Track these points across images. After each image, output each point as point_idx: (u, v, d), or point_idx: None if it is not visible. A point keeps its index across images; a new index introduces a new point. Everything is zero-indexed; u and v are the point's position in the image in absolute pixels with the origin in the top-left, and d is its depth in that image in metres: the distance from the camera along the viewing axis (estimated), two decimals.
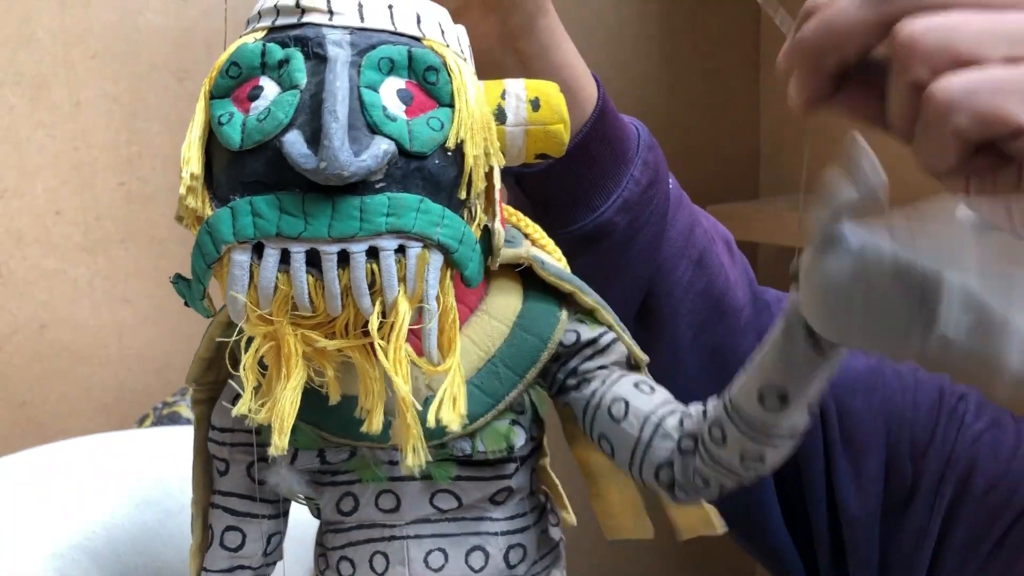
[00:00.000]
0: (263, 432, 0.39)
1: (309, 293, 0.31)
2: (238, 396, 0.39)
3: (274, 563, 0.43)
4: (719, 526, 0.44)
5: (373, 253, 0.31)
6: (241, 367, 0.32)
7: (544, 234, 0.41)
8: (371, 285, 0.31)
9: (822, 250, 0.29)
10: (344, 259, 0.31)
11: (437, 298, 0.32)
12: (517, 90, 0.35)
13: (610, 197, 0.51)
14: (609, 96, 0.55)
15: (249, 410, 0.32)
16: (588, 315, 0.40)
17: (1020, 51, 0.32)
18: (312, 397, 0.36)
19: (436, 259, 0.32)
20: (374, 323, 0.31)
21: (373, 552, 0.39)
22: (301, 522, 0.46)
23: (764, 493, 0.64)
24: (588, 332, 0.40)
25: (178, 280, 0.35)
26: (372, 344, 0.32)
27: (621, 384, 0.40)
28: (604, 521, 0.46)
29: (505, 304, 0.39)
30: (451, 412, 0.33)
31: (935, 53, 0.33)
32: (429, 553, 0.39)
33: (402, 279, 0.31)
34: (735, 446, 0.35)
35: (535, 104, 0.35)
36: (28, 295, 0.97)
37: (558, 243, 0.42)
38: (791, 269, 0.32)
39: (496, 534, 0.40)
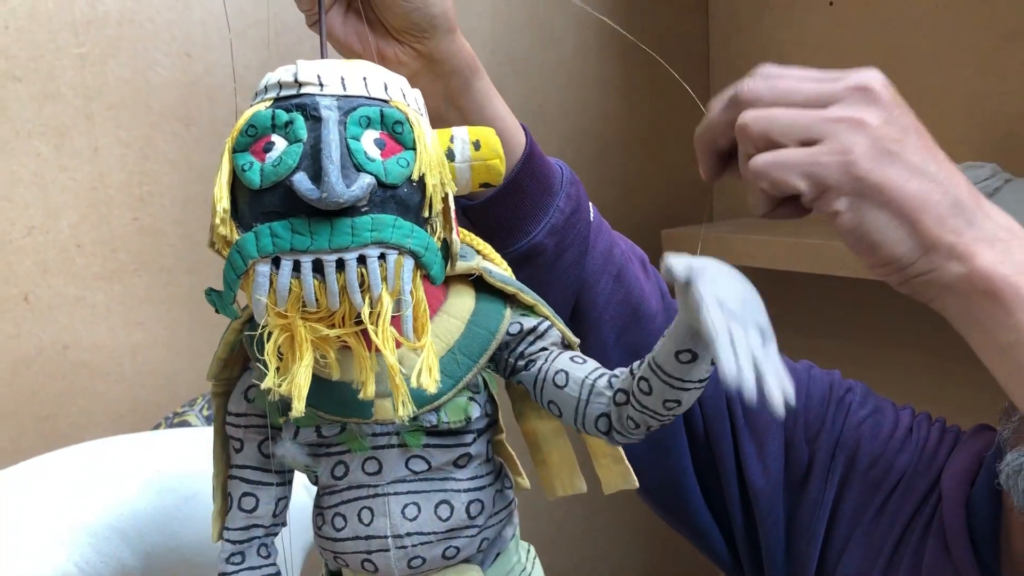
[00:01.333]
0: (272, 415, 0.48)
1: (315, 293, 0.40)
2: (251, 386, 0.48)
3: (282, 524, 0.51)
4: (635, 482, 0.52)
5: (362, 260, 0.40)
6: (265, 353, 0.40)
7: (492, 249, 0.50)
8: (361, 285, 0.40)
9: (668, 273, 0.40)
10: (340, 266, 0.39)
11: (411, 293, 0.41)
12: (462, 135, 0.44)
13: (540, 223, 0.60)
14: (562, 138, 0.65)
15: (274, 385, 0.40)
16: (529, 310, 0.49)
17: (809, 137, 0.44)
18: (311, 384, 0.45)
19: (408, 263, 0.41)
20: (365, 312, 0.40)
21: (361, 507, 0.48)
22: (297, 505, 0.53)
23: (684, 475, 0.72)
24: (529, 322, 0.49)
25: (210, 292, 0.44)
26: (363, 331, 0.41)
27: (560, 359, 0.49)
28: (547, 483, 0.54)
29: (461, 306, 0.48)
30: (428, 378, 0.42)
31: (757, 136, 0.45)
32: (405, 506, 0.47)
33: (384, 278, 0.40)
34: (659, 395, 0.44)
35: (476, 145, 0.44)
36: (52, 319, 1.03)
37: None
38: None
39: (459, 491, 0.48)
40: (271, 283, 0.40)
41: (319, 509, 0.50)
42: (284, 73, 0.42)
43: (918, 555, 0.67)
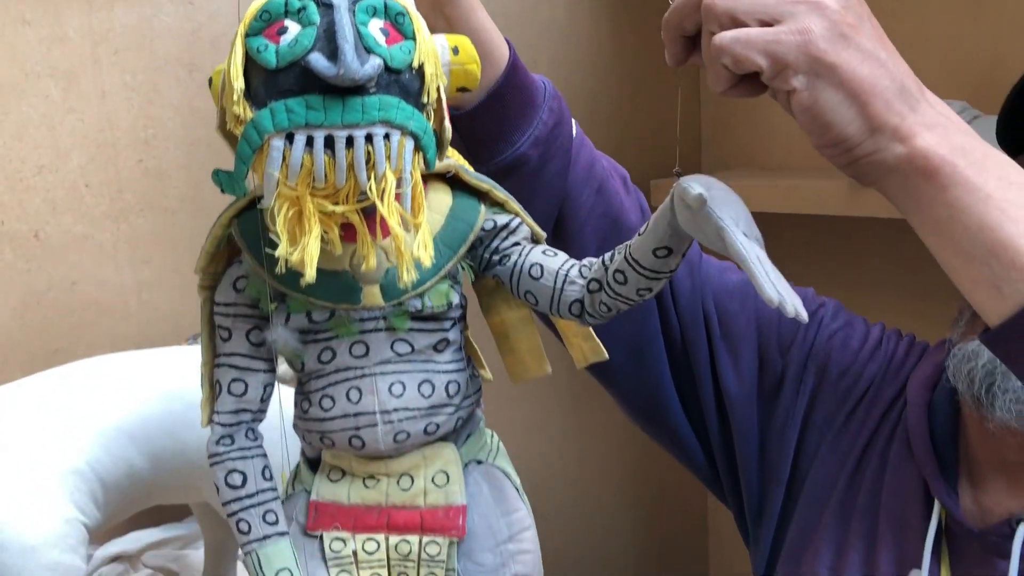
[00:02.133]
0: (263, 302, 0.51)
1: (324, 169, 0.42)
2: (239, 277, 0.51)
3: (265, 411, 0.54)
4: (604, 354, 0.57)
5: (368, 140, 0.42)
6: (277, 226, 0.43)
7: (464, 160, 0.54)
8: (366, 163, 0.42)
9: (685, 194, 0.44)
10: (349, 143, 0.42)
11: (411, 173, 0.44)
12: (442, 41, 0.48)
13: (524, 134, 0.64)
14: (554, 84, 0.68)
15: (286, 254, 0.43)
16: (500, 207, 0.53)
17: (770, 18, 0.47)
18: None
19: (409, 143, 0.44)
20: (373, 187, 0.43)
21: (349, 388, 0.51)
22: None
23: (663, 382, 0.75)
24: (503, 219, 0.53)
25: (218, 173, 0.47)
26: (363, 211, 0.44)
27: (533, 253, 0.53)
28: (514, 370, 0.58)
29: (440, 201, 0.51)
30: (424, 253, 0.45)
31: (721, 15, 0.48)
32: (392, 385, 0.51)
33: (388, 157, 0.43)
34: (633, 284, 0.49)
35: (455, 50, 0.48)
36: (61, 256, 1.06)
37: (485, 174, 0.54)
38: (677, 170, 0.46)
39: (439, 372, 0.52)
40: (284, 158, 0.42)
41: (304, 394, 0.53)
42: None
43: (884, 457, 0.71)
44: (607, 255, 0.51)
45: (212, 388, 0.53)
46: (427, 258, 0.46)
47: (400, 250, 0.44)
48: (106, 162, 1.08)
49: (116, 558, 1.02)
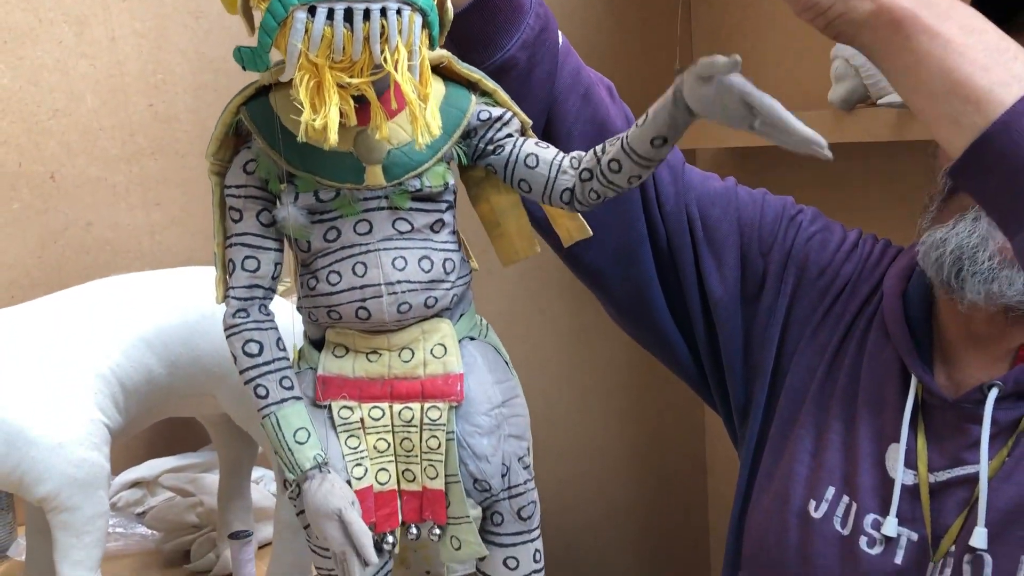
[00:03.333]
0: (272, 183, 0.55)
1: (343, 41, 0.46)
2: (249, 161, 0.55)
3: (275, 290, 0.57)
4: (589, 231, 0.61)
5: (383, 14, 0.46)
6: (299, 96, 0.46)
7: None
8: (380, 36, 0.46)
9: (707, 71, 0.48)
10: (366, 16, 0.46)
11: (419, 47, 0.48)
12: None
13: (512, 38, 0.67)
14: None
15: (310, 120, 0.46)
16: (491, 97, 0.56)
17: None
18: (312, 151, 0.52)
19: (418, 18, 0.48)
20: (388, 56, 0.46)
21: (354, 263, 0.55)
22: None
23: (650, 285, 0.79)
24: (496, 111, 0.56)
25: (239, 50, 0.50)
26: (376, 83, 0.48)
27: (527, 145, 0.57)
28: (504, 252, 0.62)
29: (434, 90, 0.55)
30: (434, 120, 0.49)
31: None
32: (394, 259, 0.55)
33: (400, 31, 0.47)
34: (627, 172, 0.53)
35: None
36: (77, 198, 1.10)
37: None
38: (678, 68, 0.50)
39: (436, 250, 0.56)
40: (306, 31, 0.46)
41: (311, 273, 0.56)
42: None
43: (861, 345, 0.74)
44: (598, 147, 0.54)
45: (225, 267, 0.56)
46: (436, 125, 0.49)
47: (415, 114, 0.48)
48: (118, 106, 1.12)
49: (135, 484, 1.07)
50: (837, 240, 0.79)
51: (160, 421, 1.10)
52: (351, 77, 0.47)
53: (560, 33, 0.72)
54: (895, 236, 0.81)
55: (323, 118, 0.47)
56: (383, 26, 0.46)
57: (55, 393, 0.73)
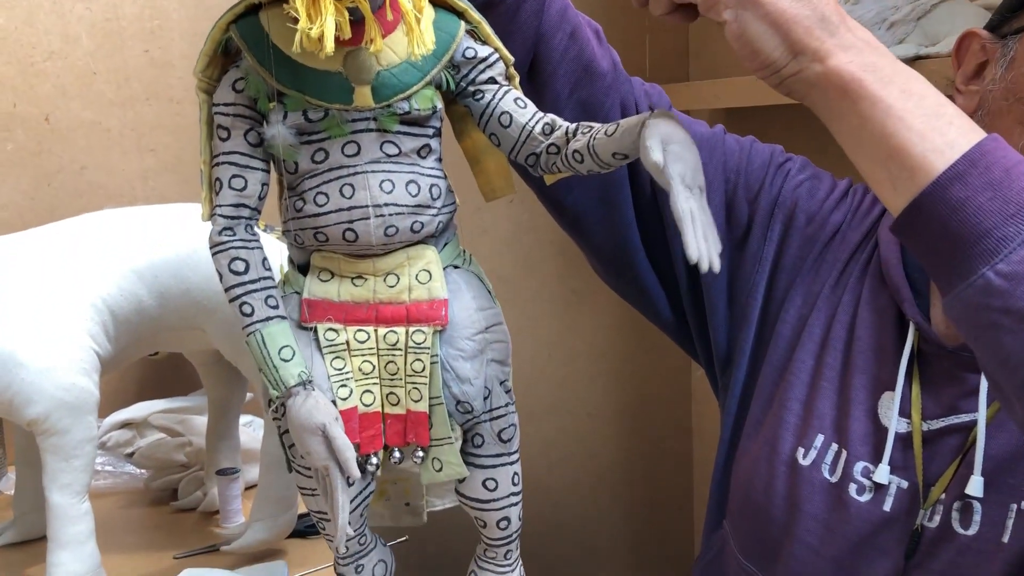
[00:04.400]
0: (261, 101, 0.55)
1: None
2: (238, 79, 0.55)
3: (260, 210, 0.57)
4: (513, 188, 0.62)
5: None
6: (296, 4, 0.46)
7: None
8: None
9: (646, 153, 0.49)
10: None
11: None
12: None
13: None
14: None
15: (306, 28, 0.46)
16: (477, 29, 0.56)
17: None
18: (302, 70, 0.52)
19: None
20: None
21: (342, 184, 0.55)
22: None
23: (629, 230, 0.79)
24: (483, 51, 0.56)
25: None
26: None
27: (506, 100, 0.56)
28: (486, 188, 0.62)
29: (426, 11, 0.55)
30: (430, 34, 0.50)
31: None
32: (382, 182, 0.55)
33: None
34: (587, 167, 0.53)
35: None
36: (71, 141, 1.10)
37: None
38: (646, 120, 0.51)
39: (423, 175, 0.56)
40: None
41: (298, 194, 0.56)
42: None
43: (855, 293, 0.74)
44: (571, 127, 0.54)
45: (212, 186, 0.56)
46: (429, 42, 0.49)
47: (411, 24, 0.48)
48: (113, 51, 1.11)
49: (124, 425, 1.07)
50: (826, 188, 0.79)
51: (150, 365, 1.11)
52: None
53: None
54: None
55: (319, 27, 0.47)
56: None
57: (46, 319, 0.73)
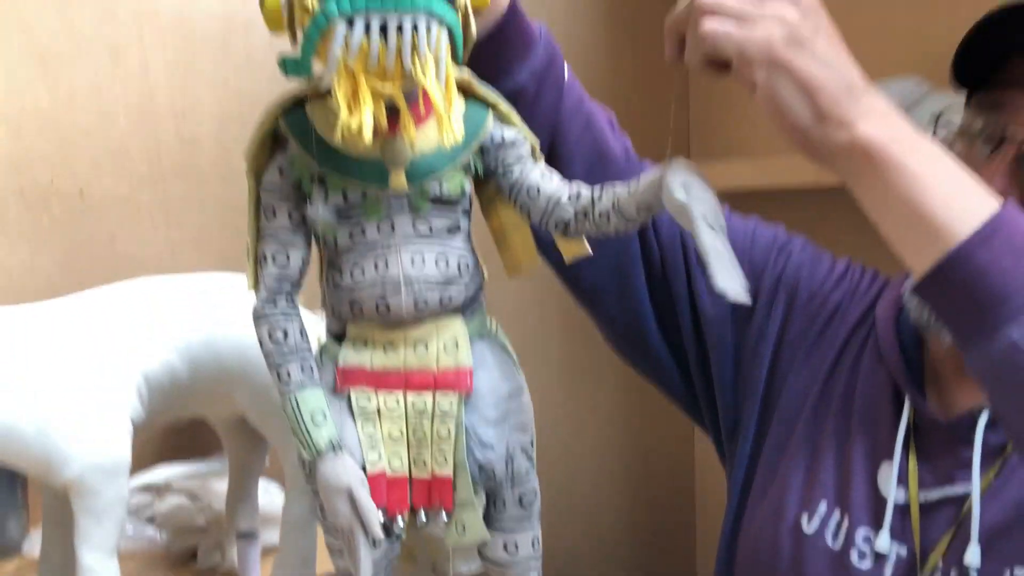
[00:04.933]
0: (304, 183, 0.59)
1: (378, 51, 0.50)
2: (285, 164, 0.59)
3: (301, 284, 0.60)
4: (589, 248, 0.64)
5: (415, 29, 0.50)
6: (338, 98, 0.50)
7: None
8: (412, 49, 0.50)
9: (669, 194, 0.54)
10: (399, 30, 0.50)
11: (445, 60, 0.52)
12: None
13: (522, 67, 0.72)
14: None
15: (346, 119, 0.50)
16: (505, 118, 0.61)
17: (743, 21, 0.56)
18: (342, 156, 0.56)
19: (444, 33, 0.52)
20: (417, 65, 0.50)
21: (376, 259, 0.58)
22: None
23: (642, 306, 0.82)
24: (509, 134, 0.61)
25: (284, 59, 0.54)
26: (406, 93, 0.52)
27: (533, 175, 0.61)
28: (510, 264, 0.66)
29: (458, 103, 0.60)
30: (459, 123, 0.55)
31: (707, 11, 0.57)
32: (413, 257, 0.58)
33: (428, 44, 0.51)
34: (615, 226, 0.58)
35: None
36: (103, 214, 1.15)
37: None
38: (669, 154, 0.55)
39: (452, 251, 0.59)
40: (345, 41, 0.50)
41: (336, 269, 0.60)
42: None
43: (854, 368, 0.78)
44: (596, 191, 0.59)
45: (257, 261, 0.60)
46: (459, 131, 0.54)
47: (440, 116, 0.52)
48: (146, 129, 1.17)
49: (144, 488, 1.09)
50: (826, 267, 0.83)
51: (170, 430, 1.13)
52: (384, 84, 0.52)
53: (566, 66, 0.77)
54: (884, 269, 0.85)
55: (358, 120, 0.51)
56: (414, 39, 0.51)
57: (85, 384, 0.76)
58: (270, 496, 1.07)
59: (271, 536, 1.00)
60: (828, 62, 0.57)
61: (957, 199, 0.54)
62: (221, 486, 1.04)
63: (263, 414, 0.83)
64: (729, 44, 0.57)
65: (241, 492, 0.96)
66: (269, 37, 1.20)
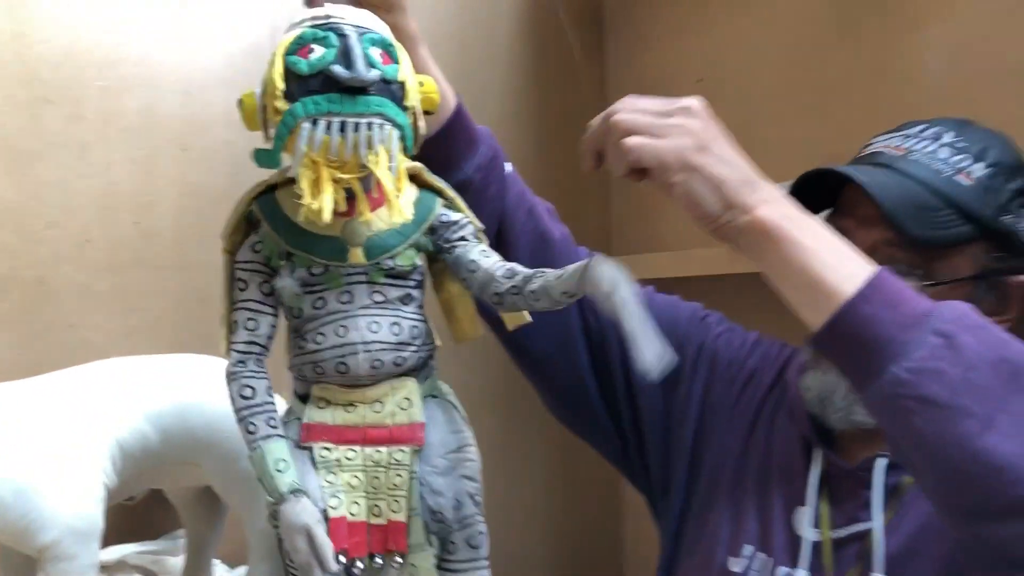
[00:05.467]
0: (272, 260, 0.66)
1: (338, 146, 0.58)
2: (257, 242, 0.66)
3: (268, 348, 0.66)
4: (529, 317, 0.71)
5: (368, 127, 0.58)
6: (302, 185, 0.57)
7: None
8: (367, 144, 0.58)
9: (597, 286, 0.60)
10: (356, 128, 0.58)
11: (396, 154, 0.60)
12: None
13: (468, 162, 0.81)
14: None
15: (309, 204, 0.58)
16: (452, 203, 0.69)
17: (655, 135, 0.67)
18: (308, 235, 0.64)
19: (396, 133, 0.60)
20: (372, 158, 0.58)
21: (338, 326, 0.65)
22: None
23: (584, 374, 0.91)
24: (455, 217, 0.69)
25: (257, 152, 0.61)
26: (360, 180, 0.60)
27: (473, 251, 0.68)
28: (456, 332, 0.73)
29: (410, 191, 0.68)
30: (409, 207, 0.62)
31: (623, 131, 0.68)
32: (370, 324, 0.65)
33: (381, 140, 0.59)
34: (543, 305, 0.64)
35: (421, 83, 0.65)
36: (62, 301, 1.18)
37: None
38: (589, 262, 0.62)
39: (405, 318, 0.66)
40: (310, 137, 0.57)
41: (300, 335, 0.66)
42: (315, 11, 0.62)
43: (770, 427, 0.86)
44: (528, 272, 0.66)
45: (229, 327, 0.66)
46: (408, 212, 0.61)
47: (390, 200, 0.60)
48: (107, 222, 1.22)
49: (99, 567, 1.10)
50: (740, 339, 0.92)
51: (122, 511, 1.16)
52: (342, 173, 0.60)
53: (509, 163, 0.87)
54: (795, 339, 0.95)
55: (319, 203, 0.59)
56: (369, 136, 0.59)
57: (63, 453, 0.80)
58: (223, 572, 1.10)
59: None
60: (729, 161, 0.68)
61: (841, 265, 0.63)
62: (174, 562, 1.06)
63: (228, 483, 0.87)
64: (649, 156, 0.67)
65: (197, 565, 0.99)
66: (225, 136, 1.29)
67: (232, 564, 1.15)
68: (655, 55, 1.65)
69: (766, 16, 1.43)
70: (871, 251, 0.69)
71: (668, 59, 1.62)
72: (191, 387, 0.87)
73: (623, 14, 1.73)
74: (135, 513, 1.17)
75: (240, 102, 0.66)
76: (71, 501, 0.77)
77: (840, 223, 0.77)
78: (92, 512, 0.79)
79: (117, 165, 1.23)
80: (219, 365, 0.85)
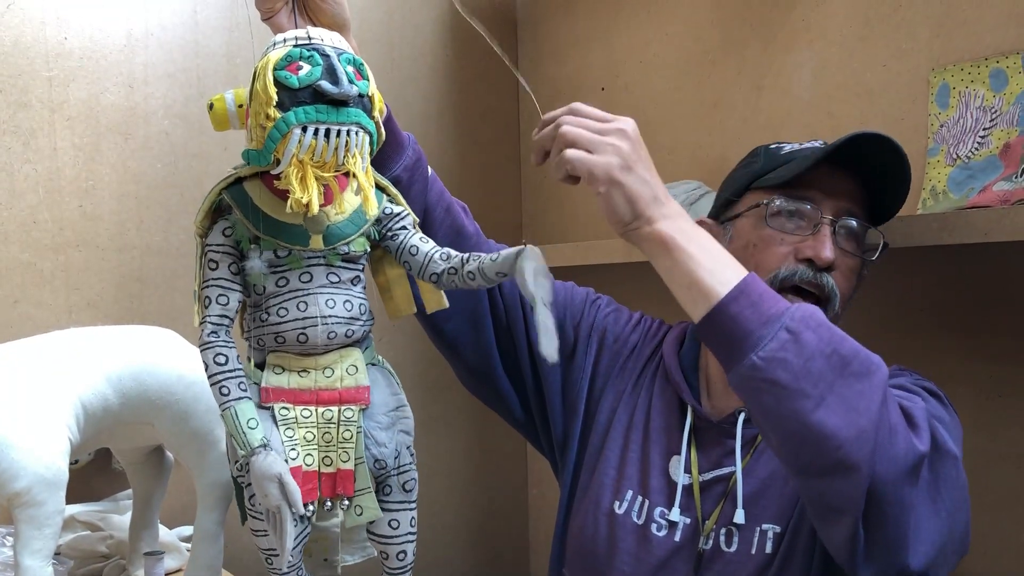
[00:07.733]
0: (243, 243, 0.74)
1: (323, 149, 0.66)
2: (227, 227, 0.73)
3: (234, 320, 0.73)
4: (446, 303, 0.81)
5: (347, 134, 0.66)
6: (291, 182, 0.65)
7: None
8: (345, 148, 0.66)
9: (523, 283, 0.69)
10: (338, 134, 0.66)
11: (367, 156, 0.68)
12: None
13: (397, 163, 0.90)
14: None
15: (298, 198, 0.65)
16: (394, 199, 0.79)
17: (591, 149, 0.77)
18: (275, 222, 0.72)
19: (367, 138, 0.68)
20: (350, 160, 0.67)
21: (299, 302, 0.72)
22: None
23: (491, 348, 1.01)
24: (397, 209, 0.78)
25: (247, 152, 0.69)
26: (336, 177, 0.68)
27: (413, 238, 0.78)
28: (392, 311, 0.82)
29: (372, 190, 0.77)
30: (373, 200, 0.70)
31: (568, 141, 0.78)
32: (327, 300, 0.73)
33: (357, 145, 0.67)
34: (478, 281, 0.73)
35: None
36: (7, 279, 1.22)
37: None
38: (524, 241, 0.74)
39: (355, 296, 0.75)
40: (299, 141, 0.65)
41: (262, 310, 0.73)
42: (298, 32, 0.69)
43: (650, 390, 0.98)
44: (464, 255, 0.75)
45: (202, 302, 0.73)
46: (374, 206, 0.71)
47: (367, 195, 0.69)
48: (52, 204, 1.25)
49: None
50: (626, 317, 1.05)
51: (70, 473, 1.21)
52: (323, 172, 0.68)
53: (429, 167, 0.97)
54: (666, 319, 1.08)
55: (308, 196, 0.67)
56: (348, 142, 0.67)
57: (33, 409, 0.84)
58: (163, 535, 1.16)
59: (171, 562, 1.09)
60: (645, 181, 0.79)
61: (718, 272, 0.75)
62: (120, 519, 1.12)
63: (180, 441, 0.94)
64: (583, 168, 0.78)
65: (145, 520, 1.06)
66: (164, 127, 1.34)
67: (170, 526, 1.22)
68: (563, 66, 1.77)
69: (661, 34, 1.56)
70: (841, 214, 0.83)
71: (575, 69, 1.74)
72: (146, 353, 0.93)
73: (532, 27, 1.84)
74: (79, 478, 1.22)
75: (211, 105, 0.74)
76: (40, 453, 0.83)
77: (809, 194, 0.90)
78: (59, 463, 0.85)
79: (62, 151, 1.26)
80: (168, 336, 0.94)
